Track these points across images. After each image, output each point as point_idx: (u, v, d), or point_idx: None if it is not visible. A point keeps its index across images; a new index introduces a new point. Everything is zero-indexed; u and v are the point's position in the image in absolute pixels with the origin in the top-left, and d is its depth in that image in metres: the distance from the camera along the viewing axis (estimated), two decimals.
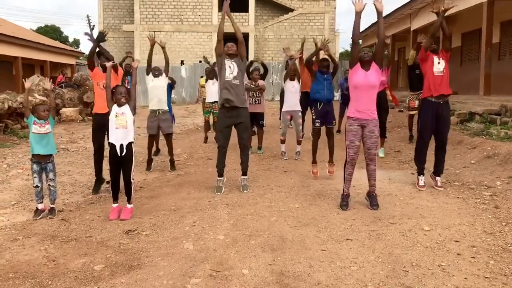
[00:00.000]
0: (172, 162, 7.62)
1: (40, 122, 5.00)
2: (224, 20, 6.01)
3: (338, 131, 10.74)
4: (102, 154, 6.11)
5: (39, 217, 4.97)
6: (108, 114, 5.02)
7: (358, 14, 5.12)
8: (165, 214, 5.02)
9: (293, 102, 8.24)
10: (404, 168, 7.35)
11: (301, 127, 8.53)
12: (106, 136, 5.73)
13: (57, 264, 3.73)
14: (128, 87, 9.58)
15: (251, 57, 22.68)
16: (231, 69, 5.89)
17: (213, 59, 9.44)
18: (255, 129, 9.06)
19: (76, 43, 54.82)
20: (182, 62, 24.91)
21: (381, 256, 3.77)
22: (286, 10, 27.87)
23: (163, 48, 7.91)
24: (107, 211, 5.12)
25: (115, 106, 4.97)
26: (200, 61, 23.92)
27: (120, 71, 6.30)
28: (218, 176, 6.05)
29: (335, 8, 30.16)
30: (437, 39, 10.52)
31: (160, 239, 4.27)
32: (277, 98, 17.70)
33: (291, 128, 8.95)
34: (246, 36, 25.95)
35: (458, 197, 5.51)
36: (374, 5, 5.20)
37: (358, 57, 5.10)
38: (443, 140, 6.00)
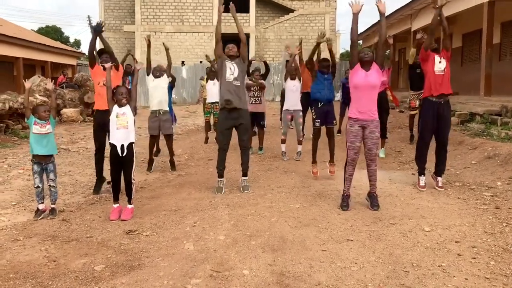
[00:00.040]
0: (172, 162, 7.63)
1: (41, 123, 5.01)
2: (220, 21, 6.01)
3: (339, 131, 10.74)
4: (103, 153, 6.11)
5: (40, 218, 4.97)
6: (108, 111, 5.02)
7: (355, 16, 5.16)
8: (165, 215, 5.02)
9: (293, 101, 8.24)
10: (405, 169, 7.35)
11: (301, 126, 8.53)
12: (107, 136, 5.73)
13: (58, 265, 3.74)
14: (129, 87, 9.62)
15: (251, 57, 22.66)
16: (231, 70, 5.89)
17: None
18: (256, 129, 9.06)
19: (77, 43, 54.88)
20: (182, 63, 24.92)
21: (381, 257, 3.77)
22: (287, 10, 27.86)
23: (167, 50, 7.99)
24: (107, 211, 5.12)
25: (115, 107, 4.97)
26: (201, 62, 23.95)
27: (121, 69, 6.30)
28: (219, 177, 6.05)
29: (335, 8, 30.17)
30: (437, 39, 10.51)
31: (161, 239, 4.27)
32: (278, 98, 17.69)
33: (292, 128, 8.95)
34: (246, 36, 25.98)
35: (458, 198, 5.51)
36: (377, 6, 5.21)
37: (358, 58, 5.11)
38: (444, 140, 5.99)
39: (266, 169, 7.50)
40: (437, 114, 5.85)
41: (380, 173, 6.26)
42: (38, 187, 5.05)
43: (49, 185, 5.10)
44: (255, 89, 8.63)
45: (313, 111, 6.90)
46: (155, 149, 8.27)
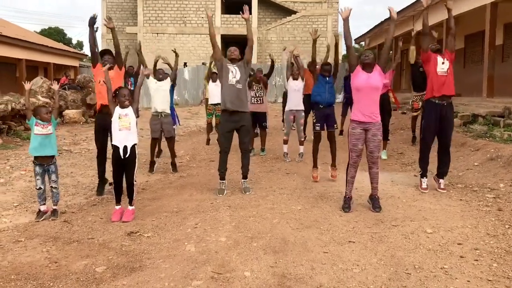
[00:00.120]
0: (174, 164, 7.63)
1: (42, 123, 5.02)
2: (212, 25, 5.98)
3: (341, 133, 10.73)
4: (105, 155, 6.11)
5: (42, 219, 4.98)
6: (109, 111, 5.02)
7: (345, 21, 5.21)
8: (167, 216, 5.02)
9: (296, 101, 8.23)
10: (407, 170, 7.33)
11: (302, 127, 8.52)
12: (109, 137, 5.73)
13: (59, 266, 3.74)
14: (131, 88, 9.63)
15: (253, 58, 22.68)
16: (233, 73, 5.86)
17: None
18: (257, 130, 9.06)
19: (80, 45, 54.96)
20: (185, 64, 24.93)
21: (383, 259, 3.75)
22: (289, 12, 27.86)
23: (176, 57, 8.24)
24: (109, 212, 5.12)
25: (117, 108, 4.97)
26: (203, 63, 23.94)
27: (123, 69, 6.29)
28: (220, 179, 6.04)
29: (343, 8, 30.10)
30: (440, 40, 10.49)
31: (162, 241, 4.27)
32: (280, 100, 17.69)
33: (294, 130, 8.94)
34: None
35: (461, 200, 5.49)
36: (389, 11, 5.31)
37: (360, 60, 5.12)
38: (447, 142, 5.97)
39: (268, 170, 7.49)
40: (440, 116, 5.83)
41: (382, 175, 6.24)
42: (40, 188, 5.05)
43: (51, 187, 5.11)
44: (257, 88, 8.62)
45: (313, 114, 6.89)
46: (156, 150, 8.28)
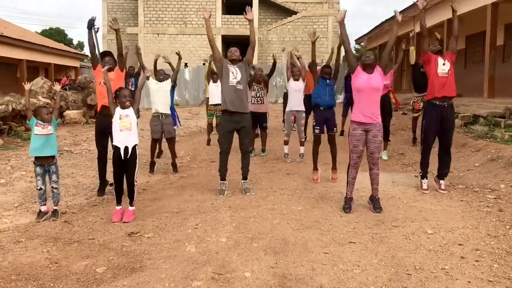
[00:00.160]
0: (174, 165, 7.63)
1: (42, 124, 5.02)
2: (210, 27, 5.95)
3: (342, 133, 10.72)
4: (105, 157, 6.11)
5: (42, 219, 4.98)
6: (110, 112, 5.02)
7: (341, 24, 5.24)
8: (167, 217, 5.02)
9: (296, 101, 8.23)
10: (408, 171, 7.33)
11: (303, 128, 8.52)
12: (109, 139, 5.75)
13: (60, 266, 3.74)
14: (132, 89, 9.64)
15: (255, 60, 22.66)
16: (234, 74, 5.85)
17: None
18: (258, 131, 9.06)
19: (80, 45, 54.98)
20: (186, 65, 24.95)
21: (384, 259, 3.75)
22: (290, 12, 27.87)
23: (179, 59, 8.30)
24: (110, 213, 5.12)
25: (118, 109, 4.97)
26: (204, 63, 23.95)
27: (124, 71, 6.30)
28: (221, 180, 6.04)
29: (338, 10, 30.14)
30: (442, 41, 10.48)
31: (163, 241, 4.27)
32: (281, 100, 17.69)
33: (295, 130, 8.95)
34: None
35: (461, 200, 5.49)
36: (395, 13, 5.38)
37: (360, 61, 5.13)
38: (447, 144, 5.96)
39: (268, 171, 7.49)
40: (441, 117, 5.82)
41: (383, 175, 6.24)
42: (40, 189, 5.05)
43: (52, 187, 5.11)
44: (257, 89, 8.61)
45: (313, 117, 6.87)
46: (157, 151, 8.28)
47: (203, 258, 3.83)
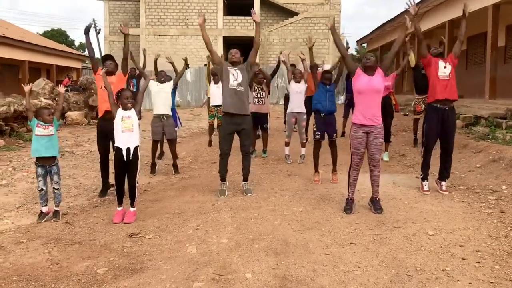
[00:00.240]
0: (175, 166, 7.64)
1: (44, 124, 5.03)
2: (205, 31, 5.93)
3: (343, 134, 10.72)
4: (107, 161, 6.12)
5: (43, 220, 4.99)
6: (112, 116, 5.03)
7: (332, 31, 5.26)
8: (168, 218, 5.02)
9: (297, 103, 8.23)
10: (409, 172, 7.32)
11: (304, 129, 8.52)
12: (110, 143, 5.77)
13: (61, 267, 3.74)
14: (134, 90, 9.66)
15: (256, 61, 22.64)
16: (234, 76, 5.84)
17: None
18: (259, 132, 9.06)
19: (82, 47, 54.98)
20: (187, 66, 24.97)
21: (385, 261, 3.75)
22: (291, 14, 27.86)
23: (186, 63, 8.29)
24: (111, 214, 5.13)
25: (120, 110, 4.98)
26: (205, 65, 23.95)
27: (126, 75, 6.31)
28: (221, 181, 6.05)
29: (340, 12, 30.14)
30: (442, 42, 10.48)
31: (164, 242, 4.27)
32: (282, 101, 17.68)
33: (296, 131, 8.95)
34: (251, 39, 25.97)
35: (463, 201, 5.48)
36: (406, 17, 5.41)
37: (361, 63, 5.15)
38: (449, 146, 5.95)
39: (269, 172, 7.49)
40: (442, 120, 5.82)
41: (384, 177, 6.24)
42: (41, 189, 5.06)
43: (53, 188, 5.12)
44: (258, 89, 8.62)
45: (314, 122, 6.87)
46: (158, 152, 8.30)
47: (204, 259, 3.83)
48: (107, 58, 6.12)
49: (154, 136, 7.60)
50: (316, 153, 6.75)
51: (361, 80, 5.04)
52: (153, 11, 26.28)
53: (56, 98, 13.82)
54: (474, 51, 15.92)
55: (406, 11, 5.79)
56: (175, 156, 7.68)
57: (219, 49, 24.92)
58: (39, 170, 5.05)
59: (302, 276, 3.49)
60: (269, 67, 18.70)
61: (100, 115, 6.04)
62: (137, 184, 5.06)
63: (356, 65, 5.21)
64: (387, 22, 19.68)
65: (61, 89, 5.76)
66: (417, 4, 16.14)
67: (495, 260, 3.73)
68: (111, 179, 5.90)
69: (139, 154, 5.04)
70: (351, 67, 5.22)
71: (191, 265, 3.71)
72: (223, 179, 6.03)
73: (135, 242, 4.30)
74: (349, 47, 7.95)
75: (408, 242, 4.15)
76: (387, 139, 8.24)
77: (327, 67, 14.19)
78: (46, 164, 5.05)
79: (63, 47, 28.24)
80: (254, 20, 5.93)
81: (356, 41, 28.24)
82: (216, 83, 9.99)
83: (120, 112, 4.96)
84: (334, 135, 6.77)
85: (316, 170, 6.76)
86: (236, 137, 6.10)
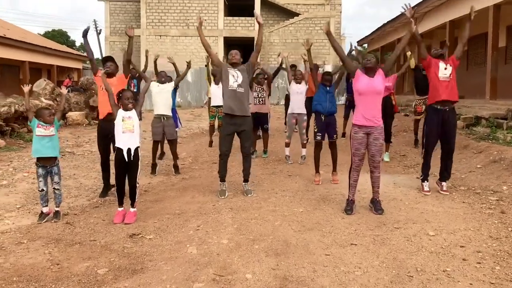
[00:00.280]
0: (176, 166, 7.64)
1: (45, 125, 5.03)
2: (202, 34, 5.98)
3: (343, 135, 10.72)
4: (108, 161, 6.12)
5: (44, 221, 4.99)
6: (113, 117, 5.03)
7: (328, 35, 5.25)
8: (169, 218, 5.02)
9: (298, 104, 8.23)
10: (410, 173, 7.31)
11: (304, 130, 8.52)
12: (111, 144, 5.78)
13: (61, 268, 3.74)
14: (134, 90, 9.65)
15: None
16: (234, 77, 5.83)
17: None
18: (260, 133, 9.06)
19: (83, 47, 54.95)
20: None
21: (385, 261, 3.75)
22: (292, 14, 27.86)
23: (188, 66, 8.37)
24: (111, 214, 5.13)
25: (121, 110, 4.97)
26: (206, 65, 23.95)
27: (128, 77, 6.31)
28: (221, 181, 6.04)
29: (340, 12, 30.13)
30: (443, 42, 10.48)
31: (164, 243, 4.27)
32: (282, 102, 17.69)
33: (297, 132, 8.95)
34: (252, 40, 25.99)
35: (463, 202, 5.47)
36: (412, 20, 5.47)
37: (362, 64, 5.15)
38: (449, 148, 5.95)
39: (270, 172, 7.49)
40: (442, 121, 5.81)
41: (385, 177, 6.24)
42: (42, 190, 5.06)
43: (54, 188, 5.12)
44: (259, 89, 8.61)
45: (314, 123, 6.87)
46: (159, 152, 8.29)
47: (205, 259, 3.83)
48: (107, 59, 6.12)
49: (155, 136, 7.60)
50: (317, 154, 6.76)
51: (361, 82, 5.04)
52: (154, 12, 26.29)
53: (57, 99, 13.83)
54: (475, 52, 15.91)
55: (421, 4, 5.84)
56: (175, 156, 7.69)
57: (220, 49, 24.93)
58: (40, 170, 5.05)
59: (303, 276, 3.48)
60: (270, 67, 18.68)
61: (100, 117, 6.03)
62: (137, 185, 5.06)
63: (356, 66, 5.22)
64: (388, 22, 19.66)
65: (63, 90, 5.78)
66: (418, 4, 16.14)
67: (496, 260, 3.73)
68: (112, 180, 5.90)
69: (139, 154, 5.04)
70: (350, 68, 5.23)
71: (191, 265, 3.71)
72: (222, 179, 6.03)
73: (136, 242, 4.30)
74: (353, 50, 7.93)
75: (408, 242, 4.15)
76: (387, 139, 8.25)
77: (328, 67, 14.20)
78: (47, 164, 5.05)
79: (64, 48, 28.25)
80: (258, 22, 5.90)
81: (357, 42, 28.20)
82: (216, 83, 9.98)
83: (120, 113, 4.96)
84: (334, 136, 6.77)
85: (317, 171, 6.76)
86: (236, 138, 6.09)
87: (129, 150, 4.93)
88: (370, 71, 5.05)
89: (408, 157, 8.66)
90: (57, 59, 25.04)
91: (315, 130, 6.78)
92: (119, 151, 4.95)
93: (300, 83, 8.27)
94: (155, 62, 8.74)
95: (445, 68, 5.79)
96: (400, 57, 17.73)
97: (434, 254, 3.88)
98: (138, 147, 5.01)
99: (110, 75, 5.93)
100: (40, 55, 22.67)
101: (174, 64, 8.44)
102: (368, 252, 3.94)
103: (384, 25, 20.33)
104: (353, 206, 5.16)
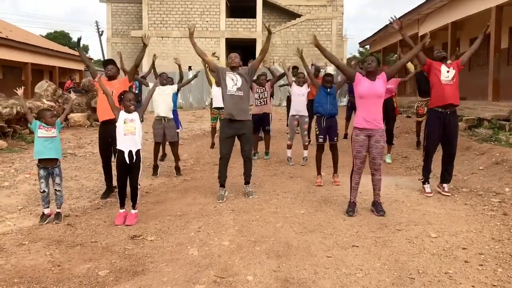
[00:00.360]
0: (177, 168, 7.64)
1: (46, 126, 5.03)
2: (193, 42, 5.96)
3: (345, 136, 10.71)
4: (110, 163, 6.13)
5: (45, 222, 4.98)
6: (113, 121, 5.03)
7: (318, 48, 5.21)
8: (170, 220, 5.02)
9: (299, 106, 8.22)
10: (411, 174, 7.30)
11: (306, 132, 8.51)
12: (112, 147, 5.78)
13: (62, 269, 3.74)
14: (136, 91, 9.66)
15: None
16: (233, 81, 5.80)
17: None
18: (261, 134, 9.06)
19: (85, 49, 55.06)
20: (189, 68, 25.00)
21: (387, 263, 3.73)
22: (294, 15, 27.90)
23: (192, 71, 8.27)
24: (113, 216, 5.13)
25: (123, 113, 4.97)
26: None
27: (131, 82, 6.33)
28: (220, 187, 5.99)
29: (342, 13, 30.16)
30: (445, 44, 10.46)
31: (165, 244, 4.26)
32: (284, 103, 17.69)
33: (298, 133, 8.95)
34: (253, 41, 26.02)
35: (465, 204, 5.46)
36: (427, 33, 5.55)
37: (364, 67, 5.16)
38: (451, 150, 5.93)
39: (271, 174, 7.48)
40: (443, 124, 5.80)
41: (387, 179, 6.22)
42: (43, 191, 5.06)
43: (55, 190, 5.12)
44: (260, 90, 8.60)
45: (316, 126, 6.86)
46: (160, 154, 8.29)
47: (206, 261, 3.82)
48: (108, 63, 6.13)
49: (156, 138, 7.61)
50: (318, 156, 6.75)
51: (362, 85, 5.03)
52: (156, 13, 26.34)
53: (59, 100, 13.85)
54: (477, 53, 15.83)
55: (422, 5, 5.90)
56: (177, 158, 7.69)
57: (221, 51, 24.93)
58: (41, 172, 5.05)
59: (304, 278, 3.47)
60: (271, 68, 18.66)
61: (104, 119, 6.02)
62: (139, 187, 5.05)
63: (354, 71, 5.22)
64: (390, 23, 19.64)
65: (72, 95, 5.84)
66: (420, 6, 16.13)
67: (498, 263, 3.71)
68: (114, 182, 5.90)
69: (141, 156, 5.03)
70: (349, 74, 5.23)
71: (192, 267, 3.71)
72: (222, 185, 5.97)
73: (137, 244, 4.30)
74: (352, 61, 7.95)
75: (410, 244, 4.14)
76: (389, 141, 8.25)
77: (330, 69, 14.19)
78: (48, 166, 5.05)
79: (65, 49, 28.27)
80: (268, 31, 5.81)
81: (359, 43, 28.20)
82: (218, 85, 9.96)
83: (122, 115, 4.96)
84: (335, 138, 6.77)
85: (319, 173, 6.75)
86: (237, 141, 6.08)
87: (130, 152, 4.92)
88: (371, 75, 5.04)
89: (410, 158, 8.64)
90: (59, 60, 25.10)
91: (317, 133, 6.77)
92: (120, 153, 4.95)
93: (302, 85, 8.27)
94: (153, 63, 8.70)
95: (448, 71, 5.78)
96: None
97: (436, 256, 3.87)
98: (139, 149, 5.01)
99: (111, 77, 5.94)
100: (42, 56, 22.72)
101: (179, 65, 8.40)
102: (370, 254, 3.93)
103: (386, 26, 20.30)
104: (354, 208, 5.15)
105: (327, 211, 5.25)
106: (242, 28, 26.28)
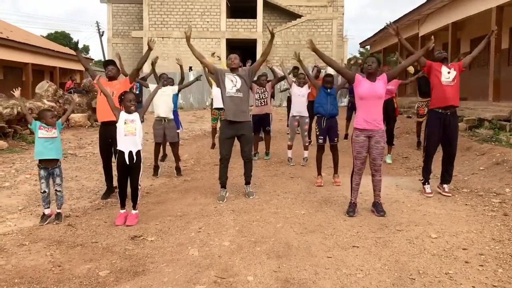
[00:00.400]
0: (178, 168, 7.64)
1: (47, 127, 5.03)
2: (193, 48, 6.05)
3: (346, 136, 10.71)
4: (110, 164, 6.13)
5: (46, 223, 4.99)
6: (113, 122, 5.03)
7: (316, 52, 5.24)
8: (171, 220, 5.02)
9: (299, 107, 8.22)
10: (412, 175, 7.29)
11: (306, 133, 8.51)
12: (113, 147, 5.79)
13: (63, 270, 3.74)
14: (136, 92, 9.66)
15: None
16: (233, 82, 5.80)
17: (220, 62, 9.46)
18: (262, 135, 9.06)
19: (86, 49, 55.27)
20: (190, 68, 25.00)
21: (387, 264, 3.73)
22: (294, 16, 27.89)
23: (198, 79, 8.36)
24: (113, 216, 5.13)
25: (123, 113, 4.97)
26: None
27: (133, 84, 6.34)
28: (221, 187, 5.99)
29: (343, 14, 30.14)
30: (446, 44, 10.47)
31: (166, 245, 4.26)
32: (285, 104, 17.70)
33: (299, 133, 8.95)
34: (254, 42, 26.01)
35: (466, 204, 5.46)
36: (432, 38, 5.60)
37: (364, 69, 5.18)
38: (451, 151, 5.93)
39: (272, 174, 7.48)
40: (444, 125, 5.80)
41: (387, 179, 6.22)
42: (44, 192, 5.06)
43: (55, 190, 5.12)
44: (261, 91, 8.60)
45: (316, 126, 6.86)
46: (161, 154, 8.29)
47: (206, 261, 3.82)
48: (108, 63, 6.13)
49: (156, 138, 7.61)
50: (319, 157, 6.75)
51: (362, 86, 5.03)
52: (156, 14, 26.34)
53: (59, 100, 13.86)
54: (478, 53, 15.86)
55: (423, 5, 5.93)
56: (177, 158, 7.69)
57: (222, 51, 24.93)
58: (42, 172, 5.05)
59: (304, 279, 3.47)
60: (273, 68, 18.66)
61: (105, 120, 6.02)
62: (139, 187, 5.05)
63: (354, 73, 5.23)
64: (391, 23, 19.62)
65: (75, 96, 5.85)
66: (421, 6, 16.14)
67: (499, 263, 3.71)
68: (114, 182, 5.91)
69: (141, 157, 5.03)
70: (348, 77, 5.24)
71: (193, 267, 3.71)
72: (223, 186, 5.97)
73: (137, 244, 4.30)
74: (352, 64, 7.97)
75: (411, 245, 4.14)
76: (390, 141, 8.24)
77: (330, 70, 14.19)
78: (49, 166, 5.05)
79: (66, 50, 28.29)
80: (271, 33, 5.80)
81: (360, 43, 28.19)
82: (218, 86, 9.95)
83: (123, 116, 4.96)
84: (336, 139, 6.77)
85: (319, 173, 6.75)
86: (237, 142, 6.08)
87: (130, 153, 4.92)
88: (371, 76, 5.04)
89: (410, 159, 8.64)
90: (59, 61, 25.13)
91: (317, 133, 6.77)
92: (120, 153, 4.95)
93: (302, 86, 8.27)
94: (153, 64, 8.67)
95: (449, 72, 5.78)
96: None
97: (436, 256, 3.87)
98: (139, 150, 5.01)
99: (111, 78, 5.94)
100: (42, 57, 22.74)
101: (181, 66, 8.38)
102: (370, 255, 3.93)
103: (386, 27, 20.31)
104: (355, 208, 5.15)
105: (327, 211, 5.25)
106: (243, 29, 26.28)
